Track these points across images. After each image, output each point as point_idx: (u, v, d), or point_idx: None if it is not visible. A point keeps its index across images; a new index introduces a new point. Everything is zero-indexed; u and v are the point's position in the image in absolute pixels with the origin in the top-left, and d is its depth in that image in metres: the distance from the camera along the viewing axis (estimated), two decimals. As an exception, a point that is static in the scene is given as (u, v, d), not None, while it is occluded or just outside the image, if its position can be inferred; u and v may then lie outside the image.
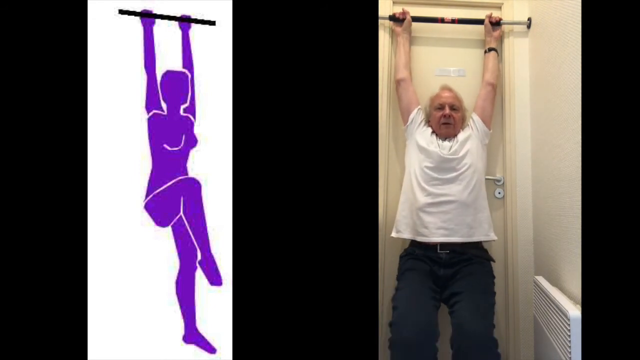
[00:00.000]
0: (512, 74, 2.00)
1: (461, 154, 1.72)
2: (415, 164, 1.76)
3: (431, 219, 1.65)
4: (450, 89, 1.85)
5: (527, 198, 1.94)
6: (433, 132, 1.81)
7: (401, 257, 1.77)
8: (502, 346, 1.90)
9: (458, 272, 1.61)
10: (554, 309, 1.33)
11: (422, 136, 1.79)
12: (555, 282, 1.56)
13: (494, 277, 1.67)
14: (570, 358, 1.17)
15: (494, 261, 1.73)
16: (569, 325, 1.19)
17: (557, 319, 1.30)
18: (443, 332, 1.65)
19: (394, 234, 1.78)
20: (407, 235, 1.73)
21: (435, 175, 1.70)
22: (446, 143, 1.76)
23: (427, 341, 1.36)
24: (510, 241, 1.92)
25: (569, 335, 1.18)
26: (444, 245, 1.65)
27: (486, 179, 1.95)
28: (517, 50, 2.02)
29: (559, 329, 1.28)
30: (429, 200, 1.67)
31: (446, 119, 1.76)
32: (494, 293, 1.60)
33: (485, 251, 1.74)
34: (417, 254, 1.68)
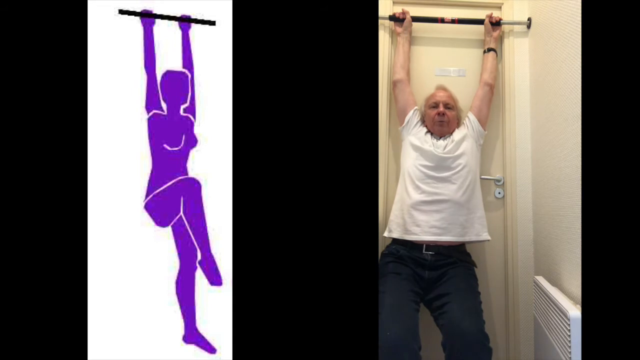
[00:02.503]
0: (512, 74, 2.00)
1: (456, 153, 1.72)
2: (409, 163, 1.76)
3: (424, 217, 1.65)
4: (445, 89, 1.86)
5: (527, 198, 1.94)
6: (427, 131, 1.82)
7: (383, 254, 1.74)
8: (502, 346, 1.91)
9: (444, 274, 1.61)
10: (554, 309, 1.33)
11: (416, 136, 1.79)
12: (555, 282, 1.56)
13: (477, 279, 1.68)
14: (570, 358, 1.17)
15: (476, 267, 1.73)
16: (569, 325, 1.19)
17: (557, 319, 1.30)
18: (430, 335, 1.66)
19: (386, 234, 1.78)
20: (397, 234, 1.72)
21: (429, 173, 1.70)
22: (441, 142, 1.76)
23: (410, 344, 1.35)
24: (510, 241, 1.93)
25: (569, 335, 1.18)
26: (430, 245, 1.65)
27: (487, 179, 1.96)
28: (517, 50, 2.02)
29: (559, 329, 1.28)
30: (423, 198, 1.67)
31: (440, 117, 1.77)
32: (479, 293, 1.61)
33: (469, 255, 1.75)
34: (402, 254, 1.66)
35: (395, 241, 1.74)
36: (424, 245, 1.65)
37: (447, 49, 2.07)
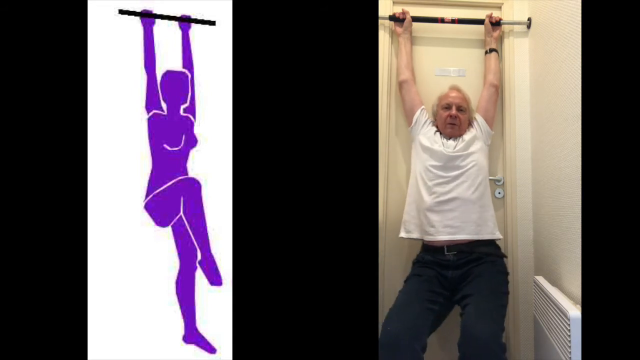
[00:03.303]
0: (512, 74, 2.00)
1: (466, 152, 1.72)
2: (419, 164, 1.76)
3: (437, 218, 1.66)
4: (458, 89, 1.84)
5: (527, 198, 1.94)
6: (437, 131, 1.81)
7: (413, 262, 1.77)
8: (502, 346, 1.91)
9: (468, 273, 1.59)
10: (554, 309, 1.33)
11: (426, 136, 1.79)
12: (555, 282, 1.56)
13: (506, 274, 1.65)
14: (570, 358, 1.17)
15: (505, 257, 1.71)
16: (569, 325, 1.19)
17: (557, 319, 1.30)
18: (453, 335, 1.65)
19: (403, 234, 1.78)
20: (416, 235, 1.73)
21: (440, 173, 1.70)
22: (451, 142, 1.76)
23: (410, 342, 1.33)
24: (510, 241, 1.92)
25: (569, 335, 1.18)
26: (450, 246, 1.64)
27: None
28: (517, 50, 2.02)
29: (559, 329, 1.28)
30: (435, 199, 1.67)
31: (452, 120, 1.76)
32: (506, 292, 1.57)
33: (498, 247, 1.72)
34: (426, 260, 1.68)
35: (422, 249, 1.76)
36: (445, 247, 1.65)
37: (447, 49, 2.07)
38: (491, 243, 1.71)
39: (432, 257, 1.67)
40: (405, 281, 1.67)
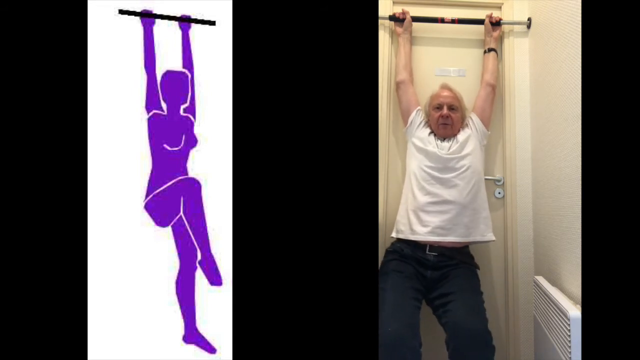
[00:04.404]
0: (512, 74, 2.00)
1: (461, 154, 1.72)
2: (414, 165, 1.76)
3: (430, 218, 1.66)
4: (449, 89, 1.84)
5: (527, 198, 1.94)
6: (431, 132, 1.81)
7: (387, 251, 1.76)
8: (502, 346, 1.91)
9: (446, 274, 1.62)
10: (554, 309, 1.33)
11: (420, 137, 1.79)
12: (555, 282, 1.56)
13: (479, 280, 1.68)
14: (570, 358, 1.17)
15: (478, 268, 1.73)
16: (569, 325, 1.19)
17: (557, 319, 1.30)
18: (429, 332, 1.66)
19: (394, 234, 1.78)
20: (402, 235, 1.73)
21: (434, 174, 1.70)
22: (445, 143, 1.76)
23: (410, 341, 1.37)
24: (510, 241, 1.93)
25: (569, 335, 1.18)
26: (433, 247, 1.65)
27: (487, 179, 1.95)
28: (517, 50, 2.02)
29: (559, 329, 1.28)
30: (428, 199, 1.67)
31: (444, 120, 1.76)
32: (482, 293, 1.61)
33: (472, 257, 1.75)
34: (405, 253, 1.67)
35: (399, 239, 1.75)
36: (428, 246, 1.65)
37: (447, 49, 2.07)
38: (468, 253, 1.74)
39: (411, 252, 1.67)
40: (383, 275, 1.64)
